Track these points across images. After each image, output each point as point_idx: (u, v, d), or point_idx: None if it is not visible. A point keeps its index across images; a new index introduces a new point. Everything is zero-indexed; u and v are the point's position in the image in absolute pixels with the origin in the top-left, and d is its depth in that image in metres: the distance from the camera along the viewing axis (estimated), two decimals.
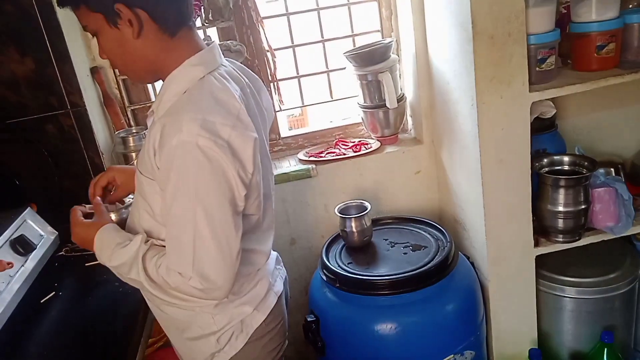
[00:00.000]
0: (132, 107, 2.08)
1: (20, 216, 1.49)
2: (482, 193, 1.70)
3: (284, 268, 1.46)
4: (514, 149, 1.66)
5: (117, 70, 2.01)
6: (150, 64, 1.09)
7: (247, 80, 1.21)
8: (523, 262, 1.80)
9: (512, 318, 1.85)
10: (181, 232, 1.03)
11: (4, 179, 1.72)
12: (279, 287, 1.35)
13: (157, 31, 1.06)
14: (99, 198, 1.28)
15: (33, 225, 1.51)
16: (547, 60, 1.60)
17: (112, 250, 1.13)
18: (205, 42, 1.16)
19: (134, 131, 1.93)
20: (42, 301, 1.39)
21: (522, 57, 1.56)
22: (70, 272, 1.54)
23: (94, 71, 1.93)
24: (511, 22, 1.52)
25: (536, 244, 1.78)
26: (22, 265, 1.37)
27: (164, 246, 1.11)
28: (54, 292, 1.43)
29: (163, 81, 1.12)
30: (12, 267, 1.22)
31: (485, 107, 1.60)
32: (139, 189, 1.15)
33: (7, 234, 1.39)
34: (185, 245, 1.02)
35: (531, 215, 1.74)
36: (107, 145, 1.92)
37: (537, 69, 1.61)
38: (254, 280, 1.26)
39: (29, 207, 1.55)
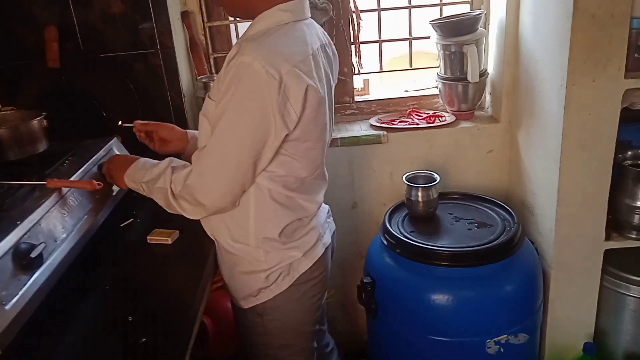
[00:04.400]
0: (215, 55, 2.13)
1: (108, 144, 1.57)
2: (558, 178, 1.65)
3: (333, 222, 1.52)
4: (599, 135, 1.60)
5: (205, 17, 2.06)
6: (248, 2, 1.20)
7: (327, 40, 1.30)
8: (591, 254, 1.75)
9: (570, 309, 1.82)
10: (213, 129, 1.15)
11: (93, 110, 1.81)
12: (327, 239, 1.42)
13: None
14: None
15: (118, 154, 1.59)
16: None
17: (146, 170, 1.28)
18: None
19: (215, 77, 1.98)
20: (121, 225, 1.48)
21: (623, 41, 1.50)
22: (146, 203, 1.60)
23: (184, 15, 1.98)
24: (616, 2, 1.46)
25: (607, 238, 1.73)
26: (109, 189, 1.45)
27: None
28: (132, 219, 1.51)
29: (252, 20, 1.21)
30: (102, 187, 1.30)
31: (576, 88, 1.55)
32: (204, 110, 1.26)
33: (96, 158, 1.47)
34: (210, 139, 1.15)
35: (607, 207, 1.69)
36: (188, 89, 1.99)
37: (636, 55, 1.54)
38: (306, 228, 1.34)
39: (115, 137, 1.63)
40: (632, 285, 1.78)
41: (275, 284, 1.30)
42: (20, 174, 1.31)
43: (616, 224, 1.74)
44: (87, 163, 1.44)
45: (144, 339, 1.02)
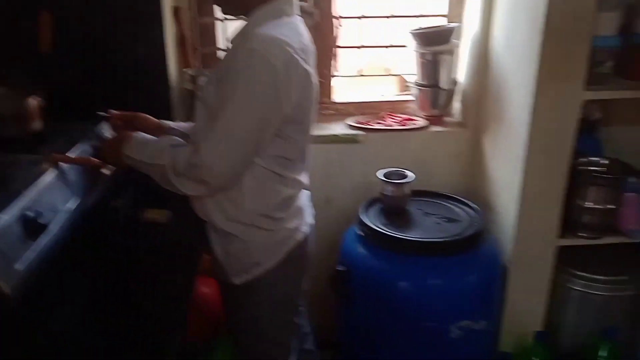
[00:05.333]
0: (202, 50, 2.20)
1: (99, 126, 1.61)
2: (521, 180, 1.81)
3: (312, 208, 1.62)
4: (559, 142, 1.76)
5: (194, 13, 2.13)
6: (244, 3, 1.31)
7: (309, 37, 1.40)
8: (545, 250, 1.92)
9: (525, 301, 1.98)
10: (218, 109, 1.22)
11: (81, 95, 1.85)
12: (310, 220, 1.55)
13: None
14: None
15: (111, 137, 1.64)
16: (605, 64, 1.70)
17: (144, 146, 1.34)
18: None
19: (203, 71, 2.05)
20: (112, 204, 1.53)
21: (584, 57, 1.66)
22: (135, 182, 1.66)
23: (175, 10, 2.05)
24: (579, 21, 1.62)
25: (560, 236, 1.90)
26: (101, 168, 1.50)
27: None
28: (120, 198, 1.57)
29: (244, 17, 1.32)
30: (100, 164, 1.35)
31: (542, 98, 1.71)
32: (202, 97, 1.35)
33: (88, 138, 1.51)
34: (216, 122, 1.22)
35: (561, 207, 1.85)
36: (175, 81, 2.05)
37: (595, 70, 1.70)
38: (293, 207, 1.44)
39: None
40: (577, 280, 1.95)
41: (266, 259, 1.39)
42: (17, 150, 1.35)
43: (569, 223, 1.90)
44: (80, 142, 1.49)
45: (146, 302, 1.10)
